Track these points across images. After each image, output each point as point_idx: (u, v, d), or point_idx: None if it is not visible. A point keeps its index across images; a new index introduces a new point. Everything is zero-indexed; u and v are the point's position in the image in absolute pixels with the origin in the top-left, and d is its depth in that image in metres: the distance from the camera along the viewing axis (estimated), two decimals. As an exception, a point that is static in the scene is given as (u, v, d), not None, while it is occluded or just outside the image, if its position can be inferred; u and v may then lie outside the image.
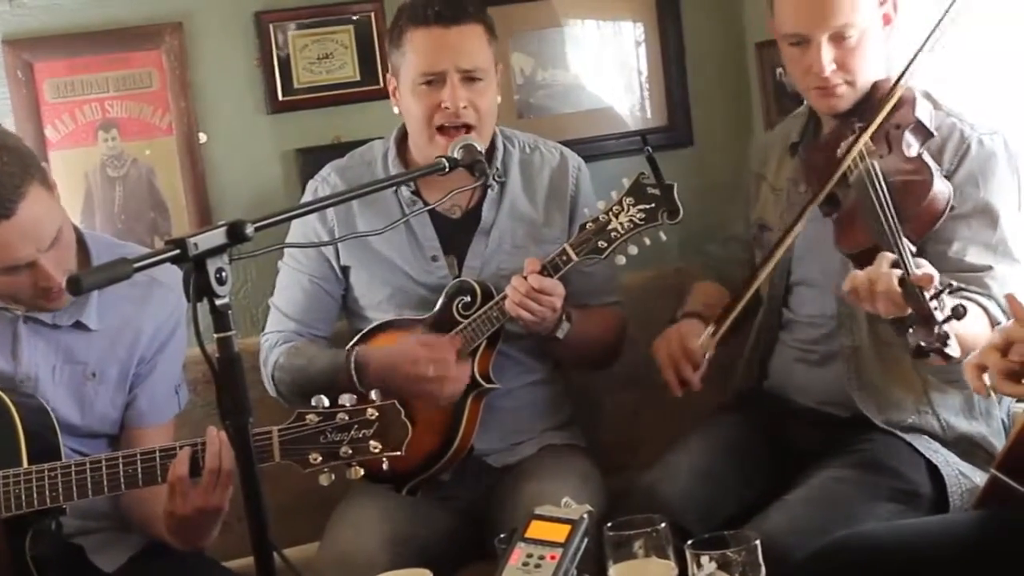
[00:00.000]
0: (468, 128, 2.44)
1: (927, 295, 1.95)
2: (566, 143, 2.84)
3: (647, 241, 2.39)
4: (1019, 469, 1.90)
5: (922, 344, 1.95)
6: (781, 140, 2.59)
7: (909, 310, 1.97)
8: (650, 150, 2.37)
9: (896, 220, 2.11)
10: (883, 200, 2.15)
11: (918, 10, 2.50)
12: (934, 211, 2.19)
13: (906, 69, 2.28)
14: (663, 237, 2.40)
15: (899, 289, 1.98)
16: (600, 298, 2.62)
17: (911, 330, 1.97)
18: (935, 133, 2.29)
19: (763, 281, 2.48)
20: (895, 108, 2.28)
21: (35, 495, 2.09)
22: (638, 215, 2.37)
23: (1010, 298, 1.89)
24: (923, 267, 2.02)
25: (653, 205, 2.36)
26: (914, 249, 2.10)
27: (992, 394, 2.32)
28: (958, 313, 1.95)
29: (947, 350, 1.94)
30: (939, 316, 1.94)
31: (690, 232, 3.12)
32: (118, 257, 1.61)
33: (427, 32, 2.44)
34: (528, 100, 3.29)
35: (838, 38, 2.30)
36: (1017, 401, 2.33)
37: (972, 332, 2.06)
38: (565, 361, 2.68)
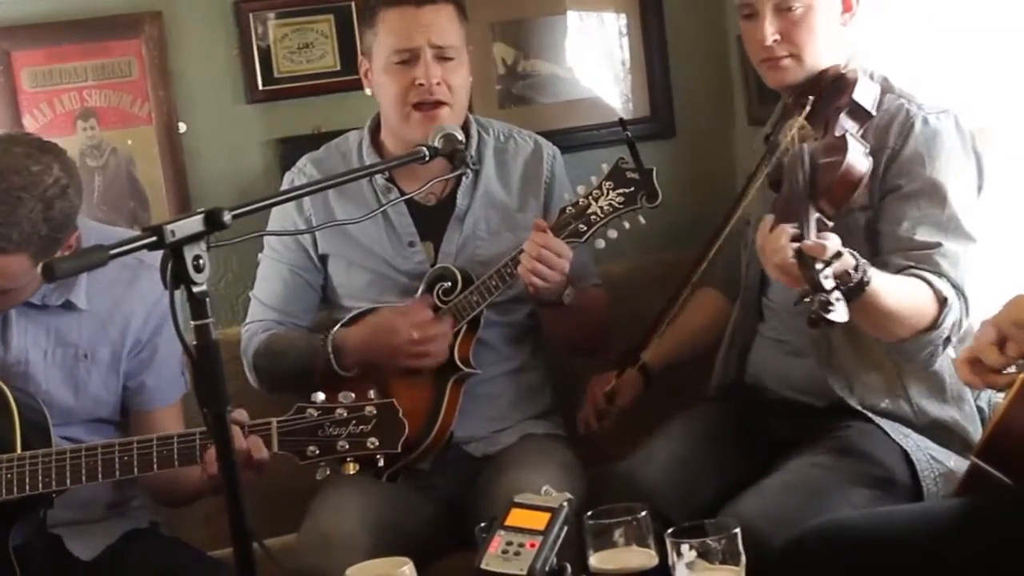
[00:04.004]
0: (441, 104, 2.48)
1: (818, 265, 1.96)
2: (548, 133, 2.86)
3: (627, 225, 2.41)
4: (999, 456, 1.90)
5: (812, 313, 1.96)
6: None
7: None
8: (629, 135, 2.40)
9: (806, 192, 2.13)
10: (801, 179, 2.16)
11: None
12: (847, 183, 2.17)
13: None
14: (642, 221, 2.41)
15: (793, 261, 1.99)
16: (585, 280, 2.63)
17: (806, 300, 1.98)
18: (874, 114, 2.30)
19: (742, 269, 2.51)
20: (837, 92, 2.30)
21: (27, 480, 2.09)
22: (617, 199, 2.39)
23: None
24: (823, 238, 2.03)
25: (632, 189, 2.39)
26: (829, 224, 2.10)
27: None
28: (845, 280, 1.98)
29: (829, 315, 1.94)
30: (827, 284, 1.95)
31: (673, 223, 3.13)
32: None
33: (400, 11, 2.49)
34: (510, 90, 3.28)
35: (783, 9, 2.32)
36: (998, 391, 2.33)
37: (905, 303, 2.11)
38: (560, 339, 2.68)
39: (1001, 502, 1.89)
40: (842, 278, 1.99)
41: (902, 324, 2.15)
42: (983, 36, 2.50)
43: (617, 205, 2.39)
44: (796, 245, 2.01)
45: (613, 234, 2.42)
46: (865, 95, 2.30)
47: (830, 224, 2.11)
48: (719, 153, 3.32)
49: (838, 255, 1.99)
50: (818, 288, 1.95)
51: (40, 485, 2.10)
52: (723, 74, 3.39)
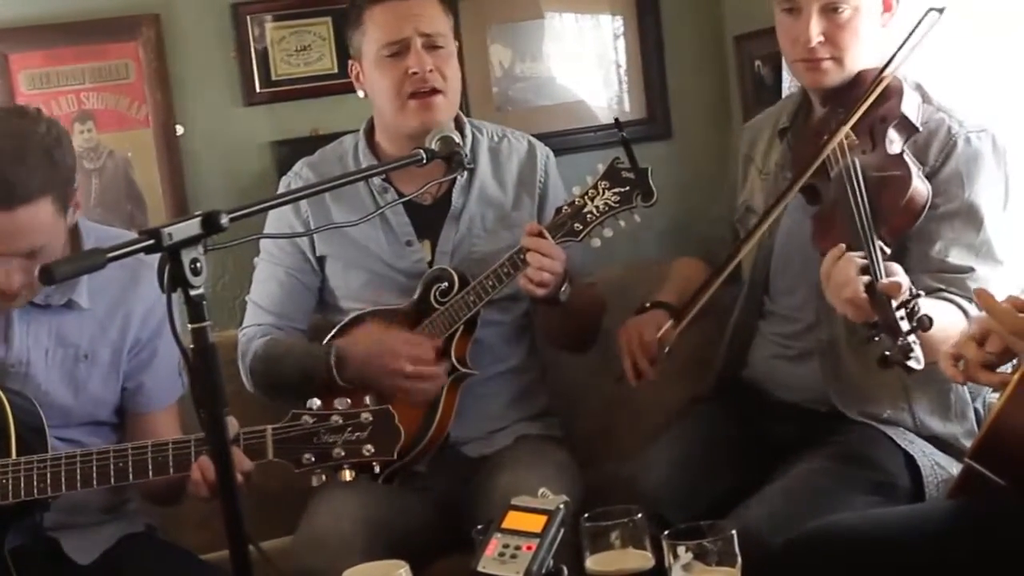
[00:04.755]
0: (436, 92, 2.49)
1: (894, 304, 1.93)
2: (544, 135, 2.87)
3: (622, 224, 2.42)
4: (993, 458, 1.90)
5: (887, 354, 1.94)
6: (771, 124, 2.57)
7: (876, 317, 1.96)
8: (624, 134, 2.41)
9: (871, 222, 2.09)
10: (860, 200, 2.13)
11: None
12: (911, 212, 2.17)
13: (892, 58, 2.27)
14: (638, 220, 2.42)
15: (865, 296, 1.97)
16: (580, 278, 2.64)
17: (877, 338, 1.95)
18: (920, 128, 2.26)
19: (746, 265, 2.48)
20: (882, 99, 2.25)
21: (23, 486, 2.09)
22: (613, 198, 2.41)
23: (979, 292, 1.88)
24: (894, 275, 2.00)
25: (628, 188, 2.40)
26: (888, 251, 2.08)
27: (967, 390, 2.34)
28: (923, 325, 1.94)
29: (909, 363, 1.92)
30: (904, 327, 1.92)
31: (669, 224, 3.14)
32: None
33: (385, 5, 2.51)
34: (507, 92, 3.29)
35: (830, 10, 2.27)
36: (993, 391, 2.33)
37: (948, 334, 2.04)
38: (553, 336, 2.69)
39: (995, 503, 1.90)
40: (920, 322, 1.94)
41: (938, 350, 2.09)
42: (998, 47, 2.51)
43: (613, 204, 2.40)
44: (867, 279, 1.98)
45: (609, 233, 2.43)
46: (911, 107, 2.25)
47: (888, 251, 2.08)
48: (716, 155, 3.32)
49: (913, 295, 1.94)
50: (896, 332, 1.91)
51: (35, 491, 2.10)
52: (719, 76, 3.40)
